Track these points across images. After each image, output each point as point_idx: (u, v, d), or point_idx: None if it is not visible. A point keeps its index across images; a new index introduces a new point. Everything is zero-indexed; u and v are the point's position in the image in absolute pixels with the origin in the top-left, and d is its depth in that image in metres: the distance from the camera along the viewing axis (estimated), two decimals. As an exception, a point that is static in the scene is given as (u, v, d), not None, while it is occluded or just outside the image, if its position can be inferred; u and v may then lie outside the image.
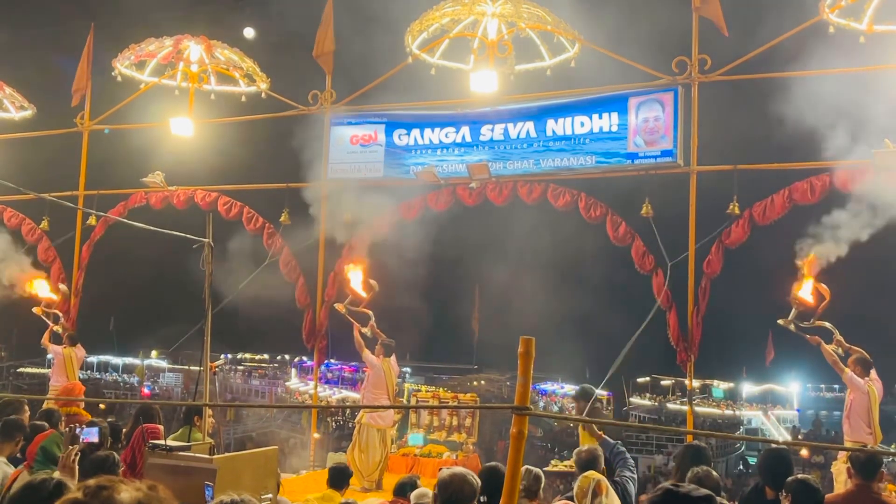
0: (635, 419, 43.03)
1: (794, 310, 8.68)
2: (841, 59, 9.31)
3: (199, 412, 6.30)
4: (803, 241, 8.92)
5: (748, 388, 53.32)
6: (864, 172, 9.48)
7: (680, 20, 11.00)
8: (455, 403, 12.76)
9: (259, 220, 12.90)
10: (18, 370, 40.39)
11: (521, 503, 4.41)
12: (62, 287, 13.21)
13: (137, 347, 47.54)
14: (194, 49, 11.70)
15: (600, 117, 11.23)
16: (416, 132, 12.31)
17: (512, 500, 2.26)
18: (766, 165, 11.10)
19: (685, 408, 13.06)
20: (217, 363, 10.50)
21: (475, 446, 12.04)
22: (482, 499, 3.84)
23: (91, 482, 1.61)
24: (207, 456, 4.64)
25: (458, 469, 3.85)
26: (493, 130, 11.85)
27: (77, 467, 4.09)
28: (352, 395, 40.80)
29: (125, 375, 50.22)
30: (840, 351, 8.42)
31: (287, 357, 51.03)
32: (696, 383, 11.72)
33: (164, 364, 50.36)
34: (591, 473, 4.56)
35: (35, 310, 12.48)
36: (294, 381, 46.00)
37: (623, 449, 5.82)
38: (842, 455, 7.86)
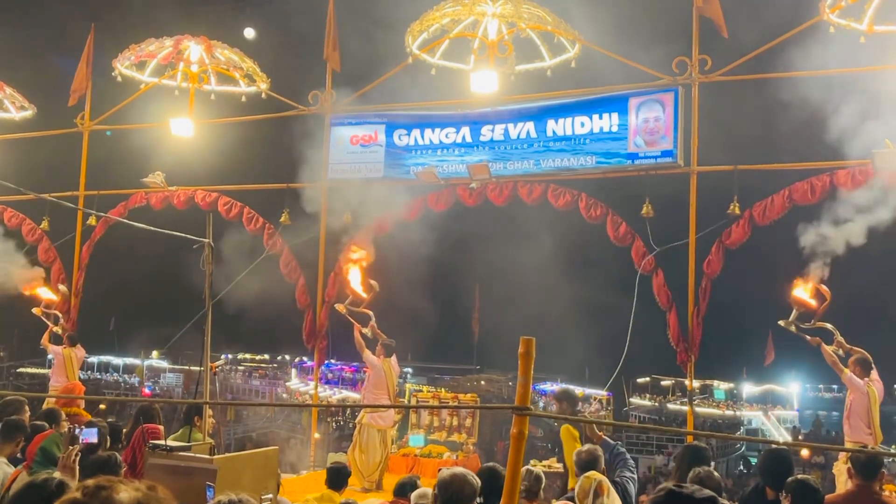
0: (635, 420, 43.02)
1: (794, 311, 8.68)
2: (841, 60, 9.31)
3: (200, 412, 6.30)
4: (804, 243, 8.92)
5: (748, 389, 53.36)
6: (865, 173, 9.48)
7: (680, 20, 11.01)
8: (455, 404, 12.76)
9: (259, 220, 12.90)
10: (18, 370, 40.41)
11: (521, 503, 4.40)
12: (62, 287, 13.21)
13: (138, 348, 47.55)
14: (194, 49, 11.70)
15: (600, 117, 11.23)
16: (416, 132, 12.31)
17: (512, 500, 2.26)
18: (767, 166, 11.11)
19: (685, 408, 13.07)
20: (217, 363, 10.51)
21: (475, 446, 12.04)
22: (479, 500, 3.84)
23: (90, 482, 1.60)
24: (208, 456, 4.64)
25: (458, 469, 3.85)
26: (493, 131, 11.85)
27: (77, 467, 4.09)
28: (352, 395, 40.80)
29: (126, 376, 50.22)
30: (841, 352, 8.42)
31: (287, 357, 51.02)
32: (696, 384, 11.72)
33: (164, 364, 50.37)
34: (593, 474, 4.56)
35: (35, 310, 12.49)
36: (294, 382, 45.98)
37: (623, 450, 5.82)
38: (842, 455, 7.86)
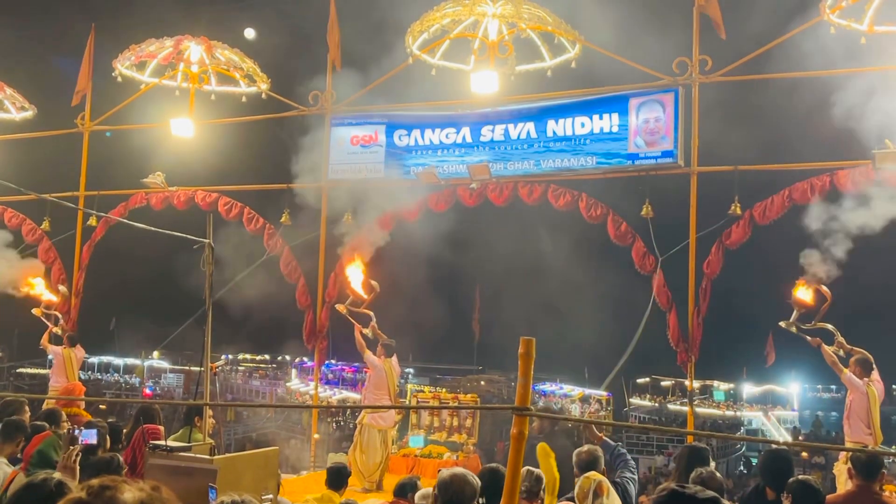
0: (635, 420, 43.01)
1: (795, 312, 8.68)
2: (841, 60, 9.31)
3: (200, 413, 6.30)
4: (804, 243, 8.92)
5: (748, 389, 53.34)
6: (865, 173, 9.49)
7: (681, 21, 11.01)
8: (455, 404, 12.74)
9: (259, 220, 12.91)
10: (18, 370, 40.40)
11: (521, 504, 4.40)
12: (62, 288, 13.21)
13: (138, 348, 47.56)
14: (195, 49, 11.70)
15: (601, 118, 11.23)
16: (416, 133, 12.32)
17: (513, 500, 2.26)
18: (767, 166, 11.11)
19: (685, 408, 13.07)
20: (217, 364, 10.50)
21: (476, 447, 12.03)
22: (481, 500, 3.84)
23: (94, 482, 1.60)
24: (208, 456, 4.63)
25: (458, 470, 3.85)
26: (493, 131, 11.85)
27: (78, 468, 4.09)
28: (352, 395, 40.79)
29: (126, 376, 50.22)
30: (841, 352, 8.42)
31: (287, 358, 51.01)
32: (696, 384, 11.71)
33: (165, 365, 50.37)
34: (593, 474, 4.56)
35: (35, 311, 12.48)
36: (294, 382, 45.97)
37: (624, 450, 5.82)
38: (843, 456, 7.85)
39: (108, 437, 5.77)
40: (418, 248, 12.07)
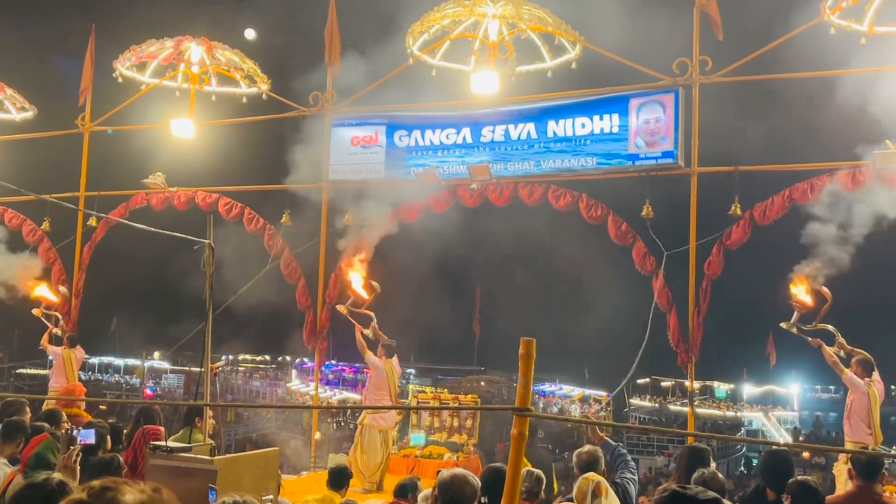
0: (636, 421, 43.00)
1: (795, 313, 8.68)
2: (841, 60, 9.31)
3: (200, 413, 6.29)
4: (805, 243, 8.92)
5: (749, 390, 53.33)
6: (865, 173, 9.48)
7: (681, 22, 11.01)
8: (455, 405, 12.74)
9: (260, 221, 12.91)
10: (18, 371, 40.38)
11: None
12: (62, 289, 13.21)
13: (139, 348, 47.58)
14: (195, 50, 11.70)
15: (601, 118, 11.23)
16: (416, 133, 12.32)
17: (513, 500, 2.26)
18: (767, 167, 11.10)
19: (686, 409, 13.07)
20: (217, 364, 10.50)
21: (476, 447, 12.02)
22: (483, 500, 3.84)
23: (96, 483, 1.60)
24: (208, 457, 4.63)
25: (458, 470, 3.85)
26: (493, 132, 11.85)
27: (78, 468, 4.09)
28: (352, 396, 40.82)
29: (127, 377, 50.23)
30: (842, 353, 8.42)
31: (288, 358, 51.03)
32: (696, 385, 11.71)
33: (166, 365, 50.37)
34: (591, 475, 4.57)
35: (35, 311, 12.48)
36: (295, 383, 46.01)
37: (625, 451, 5.82)
38: (843, 456, 7.86)
39: (108, 438, 5.76)
40: (419, 249, 12.09)
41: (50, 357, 12.72)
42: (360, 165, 12.55)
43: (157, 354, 49.56)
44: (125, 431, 6.60)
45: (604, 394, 34.16)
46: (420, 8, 10.10)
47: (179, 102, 12.24)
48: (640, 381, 51.64)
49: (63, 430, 4.65)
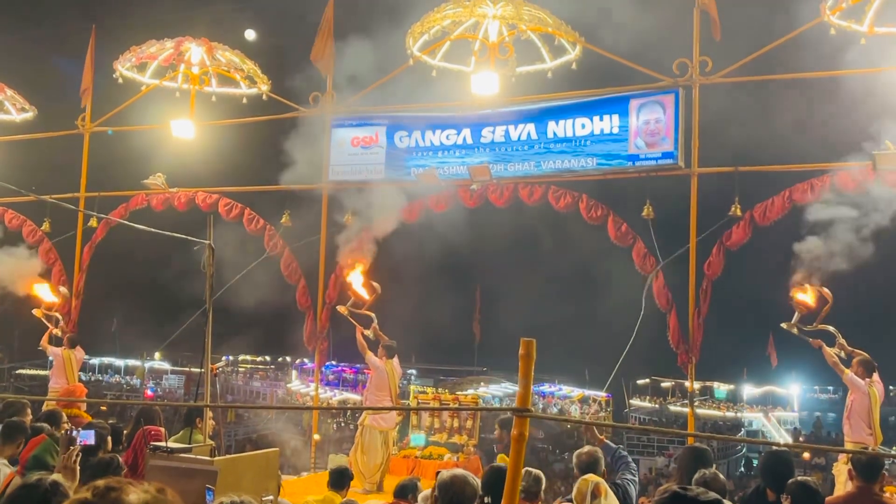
0: (636, 421, 43.00)
1: (796, 313, 8.68)
2: (841, 61, 9.31)
3: (201, 414, 6.29)
4: (805, 244, 8.91)
5: (749, 390, 53.34)
6: (865, 174, 9.48)
7: (681, 22, 11.02)
8: (456, 405, 12.74)
9: (260, 221, 12.91)
10: (18, 372, 40.40)
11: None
12: (62, 289, 13.20)
13: (140, 349, 47.58)
14: (195, 51, 11.71)
15: (601, 119, 11.23)
16: (417, 134, 12.32)
17: (513, 501, 2.26)
18: (767, 167, 11.09)
19: (686, 409, 13.07)
20: (218, 365, 10.51)
21: (476, 448, 12.02)
22: (486, 500, 3.84)
23: (100, 483, 1.60)
24: (208, 458, 4.63)
25: (458, 471, 3.85)
26: (493, 132, 11.85)
27: (78, 468, 4.09)
28: (353, 396, 40.80)
29: (127, 377, 50.25)
30: (843, 354, 8.42)
31: (288, 359, 51.04)
32: (696, 385, 11.71)
33: (166, 366, 50.40)
34: (591, 476, 4.57)
35: (35, 312, 12.48)
36: (295, 383, 46.01)
37: (625, 453, 5.82)
38: (843, 456, 7.86)
39: (108, 439, 5.76)
40: (419, 250, 12.08)
41: (50, 358, 12.72)
42: (361, 166, 12.56)
43: (157, 355, 49.60)
44: (125, 432, 6.60)
45: (603, 394, 34.12)
46: (420, 8, 10.10)
47: (179, 103, 12.25)
48: (640, 381, 51.67)
49: (63, 431, 4.64)
